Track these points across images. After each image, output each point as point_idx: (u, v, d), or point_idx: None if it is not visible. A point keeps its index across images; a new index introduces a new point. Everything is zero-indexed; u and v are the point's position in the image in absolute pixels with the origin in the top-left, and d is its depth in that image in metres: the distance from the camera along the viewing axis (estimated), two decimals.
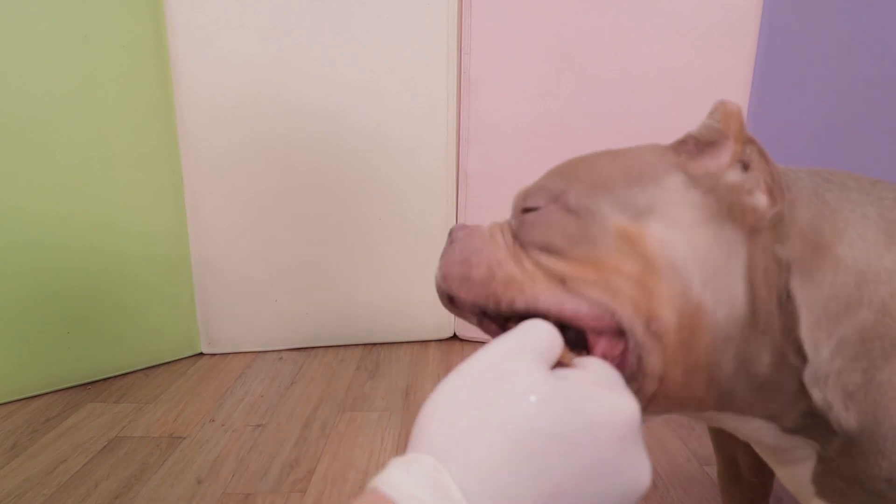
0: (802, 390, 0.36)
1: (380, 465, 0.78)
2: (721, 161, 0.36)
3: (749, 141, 0.35)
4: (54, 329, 0.99)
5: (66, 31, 0.93)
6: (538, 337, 0.30)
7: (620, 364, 0.34)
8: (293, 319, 1.18)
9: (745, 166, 0.36)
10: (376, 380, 1.06)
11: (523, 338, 0.30)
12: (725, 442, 0.59)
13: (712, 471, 0.76)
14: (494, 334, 0.37)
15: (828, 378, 0.35)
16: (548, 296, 0.35)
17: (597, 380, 0.29)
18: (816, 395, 0.36)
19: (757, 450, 0.45)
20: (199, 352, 1.18)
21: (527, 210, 0.38)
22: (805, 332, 0.35)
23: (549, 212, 0.37)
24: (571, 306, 0.34)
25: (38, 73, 0.92)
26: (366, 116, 1.11)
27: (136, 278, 1.07)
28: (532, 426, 0.26)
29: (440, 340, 1.25)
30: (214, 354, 1.18)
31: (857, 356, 0.35)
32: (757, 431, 0.41)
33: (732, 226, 0.35)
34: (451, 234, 0.41)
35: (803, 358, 0.35)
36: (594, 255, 0.34)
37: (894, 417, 0.34)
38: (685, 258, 0.34)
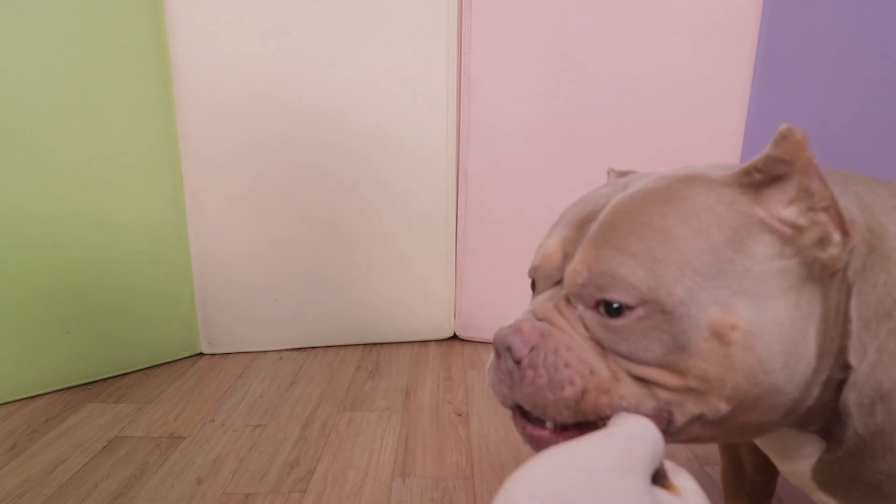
0: (833, 399, 0.35)
1: (380, 465, 0.78)
2: (787, 195, 0.32)
3: (815, 168, 0.32)
4: (54, 329, 0.99)
5: (66, 31, 0.93)
6: (648, 448, 0.28)
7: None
8: (293, 319, 1.18)
9: (811, 195, 0.32)
10: (376, 380, 1.06)
11: (633, 447, 0.28)
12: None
13: (712, 471, 0.76)
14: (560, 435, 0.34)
15: (863, 375, 0.34)
16: (630, 399, 0.32)
17: None
18: (845, 396, 0.35)
19: (761, 445, 0.45)
20: (199, 352, 1.18)
21: (605, 303, 0.33)
22: (854, 342, 0.33)
23: (641, 320, 0.32)
24: (646, 408, 0.32)
25: (38, 73, 0.92)
26: (366, 116, 1.11)
27: (136, 278, 1.07)
28: None
29: (440, 340, 1.25)
30: (214, 354, 1.18)
31: None
32: (780, 436, 0.40)
33: (812, 284, 0.32)
34: (511, 349, 0.34)
35: (847, 367, 0.34)
36: (681, 364, 0.32)
37: None
38: (771, 346, 0.31)
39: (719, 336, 0.31)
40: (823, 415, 0.37)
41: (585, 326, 0.34)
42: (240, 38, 1.05)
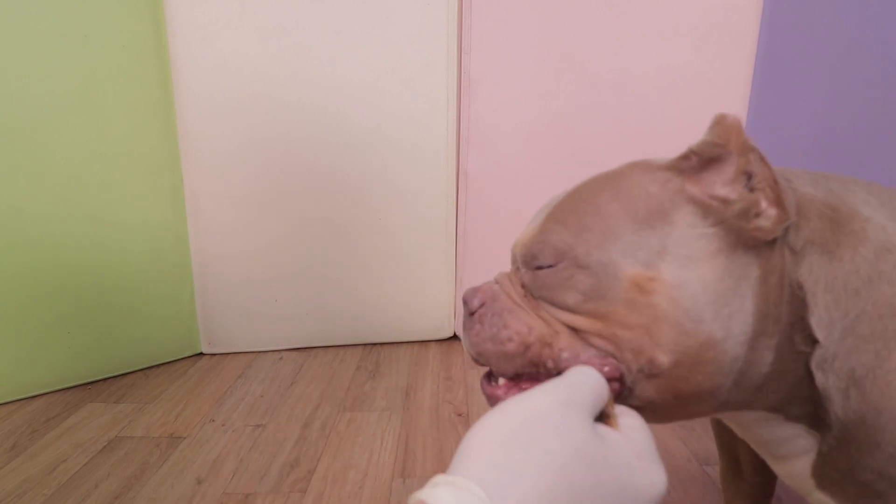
0: (807, 376, 0.36)
1: (380, 465, 0.78)
2: (726, 176, 0.36)
3: (751, 150, 0.35)
4: (54, 329, 0.99)
5: (66, 31, 0.93)
6: (589, 390, 0.32)
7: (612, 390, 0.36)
8: (293, 319, 1.18)
9: (749, 176, 0.36)
10: (376, 380, 1.06)
11: (575, 389, 0.32)
12: (728, 440, 0.59)
13: (712, 471, 0.76)
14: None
15: (835, 359, 0.35)
16: (568, 349, 0.36)
17: (638, 450, 0.31)
18: (819, 378, 0.36)
19: (756, 448, 0.45)
20: (199, 352, 1.18)
21: (538, 267, 0.38)
22: (818, 315, 0.35)
23: (560, 271, 0.37)
24: (586, 356, 0.36)
25: (38, 73, 0.92)
26: (366, 116, 1.11)
27: (136, 278, 1.07)
28: (575, 480, 0.27)
29: (440, 340, 1.25)
30: (214, 354, 1.18)
31: (872, 335, 0.34)
32: (758, 422, 0.40)
33: (743, 249, 0.35)
34: (466, 302, 0.41)
35: (813, 341, 0.36)
36: (603, 309, 0.35)
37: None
38: (696, 297, 0.34)
39: (639, 287, 0.35)
40: (800, 395, 0.37)
41: (523, 285, 0.39)
42: (240, 38, 1.05)
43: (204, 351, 1.18)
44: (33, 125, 0.93)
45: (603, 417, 0.33)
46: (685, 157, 0.37)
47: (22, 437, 0.85)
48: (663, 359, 0.35)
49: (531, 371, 0.38)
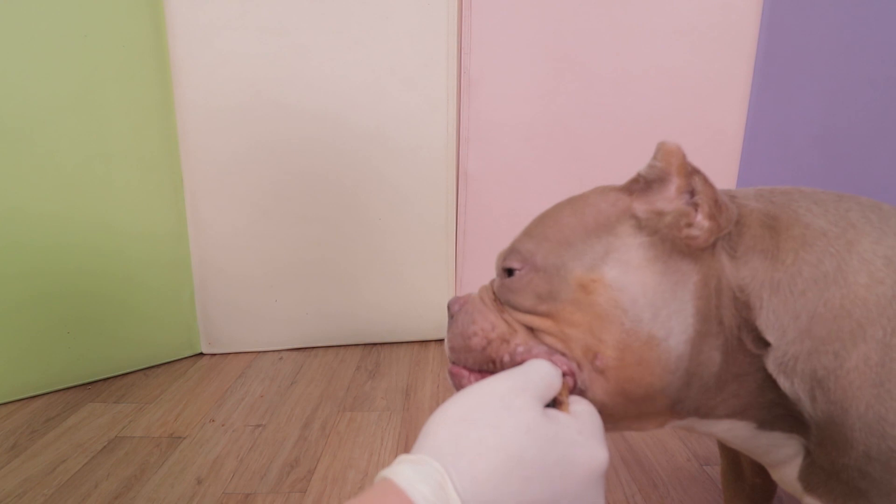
0: (768, 380, 0.38)
1: (380, 465, 0.78)
2: (669, 194, 0.40)
3: (694, 172, 0.40)
4: (54, 329, 0.99)
5: (66, 30, 0.93)
6: (540, 377, 0.36)
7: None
8: (293, 319, 1.18)
9: (692, 194, 0.40)
10: (376, 380, 1.06)
11: (528, 377, 0.36)
12: None
13: (712, 471, 0.76)
14: None
15: (796, 362, 0.36)
16: (523, 345, 0.40)
17: (581, 428, 0.34)
18: (783, 382, 0.37)
19: (747, 451, 0.45)
20: (199, 352, 1.18)
21: (506, 270, 0.43)
22: (765, 317, 0.37)
23: (521, 276, 0.41)
24: (538, 352, 0.39)
25: (38, 73, 0.92)
26: (366, 116, 1.11)
27: (136, 278, 1.07)
28: (524, 455, 0.31)
29: (440, 340, 1.25)
30: (214, 354, 1.18)
31: (829, 337, 0.36)
32: (730, 431, 0.41)
33: (679, 256, 0.39)
34: (448, 307, 0.46)
35: (765, 344, 0.37)
36: (554, 309, 0.39)
37: (860, 406, 0.35)
38: (635, 298, 0.38)
39: (584, 287, 0.39)
40: (764, 400, 0.39)
41: (493, 291, 0.44)
42: (240, 38, 1.05)
43: (204, 351, 1.18)
44: (32, 125, 0.93)
45: (556, 404, 0.37)
46: (635, 180, 0.42)
47: (22, 437, 0.85)
48: (608, 353, 0.38)
49: (490, 368, 0.41)
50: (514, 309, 0.41)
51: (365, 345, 1.23)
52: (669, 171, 0.40)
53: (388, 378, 1.07)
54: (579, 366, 0.38)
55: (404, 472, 0.29)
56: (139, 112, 1.03)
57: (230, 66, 1.05)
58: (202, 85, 1.05)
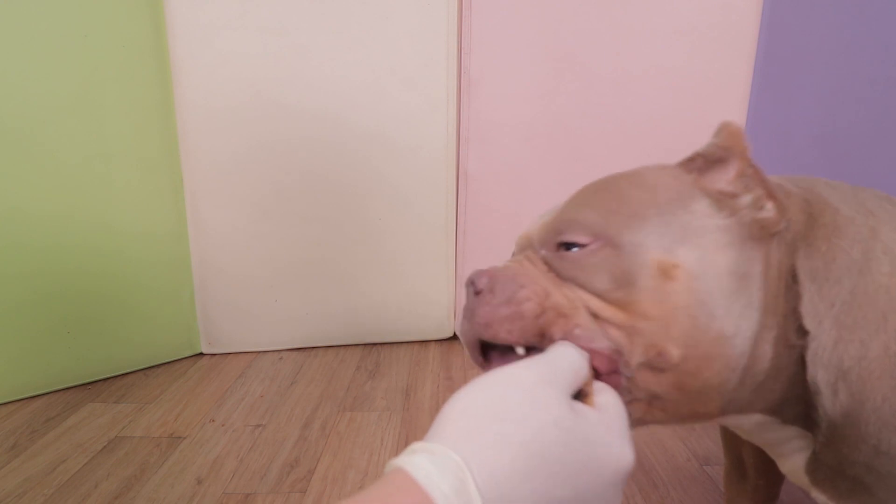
0: (799, 374, 0.37)
1: (380, 465, 0.78)
2: (728, 176, 0.38)
3: (748, 155, 0.38)
4: (54, 329, 0.99)
5: (66, 30, 0.93)
6: (569, 367, 0.33)
7: (614, 385, 0.36)
8: (293, 319, 1.18)
9: (746, 176, 0.38)
10: (376, 380, 1.06)
11: (556, 366, 0.32)
12: (733, 441, 0.58)
13: (712, 471, 0.76)
14: None
15: (825, 352, 0.36)
16: (585, 329, 0.35)
17: (610, 425, 0.32)
18: (811, 374, 0.36)
19: (759, 443, 0.45)
20: (199, 352, 1.18)
21: (564, 245, 0.37)
22: (806, 305, 0.36)
23: (594, 251, 0.36)
24: (597, 344, 0.35)
25: (38, 73, 0.92)
26: (366, 117, 1.11)
27: (136, 278, 1.07)
28: (548, 452, 0.28)
29: (440, 340, 1.25)
30: (214, 354, 1.18)
31: (856, 324, 0.35)
32: (759, 426, 0.41)
33: (751, 242, 0.36)
34: (473, 283, 0.39)
35: (804, 333, 0.36)
36: (629, 298, 0.35)
37: (877, 398, 0.34)
38: (711, 290, 0.35)
39: (664, 273, 0.35)
40: (794, 394, 0.37)
41: (546, 263, 0.38)
42: (240, 38, 1.05)
43: (204, 351, 1.18)
44: (33, 125, 0.93)
45: (580, 395, 0.34)
46: (691, 159, 0.39)
47: (22, 437, 0.85)
48: (674, 352, 0.35)
49: (535, 342, 0.36)
50: (580, 287, 0.36)
51: (365, 345, 1.23)
52: (733, 152, 0.38)
53: (388, 378, 1.07)
54: (628, 360, 0.35)
55: (421, 463, 0.26)
56: (139, 112, 1.03)
57: (230, 66, 1.05)
58: (202, 85, 1.05)
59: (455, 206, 1.18)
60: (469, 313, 0.38)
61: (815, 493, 0.40)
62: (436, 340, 1.25)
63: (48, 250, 0.97)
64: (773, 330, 0.36)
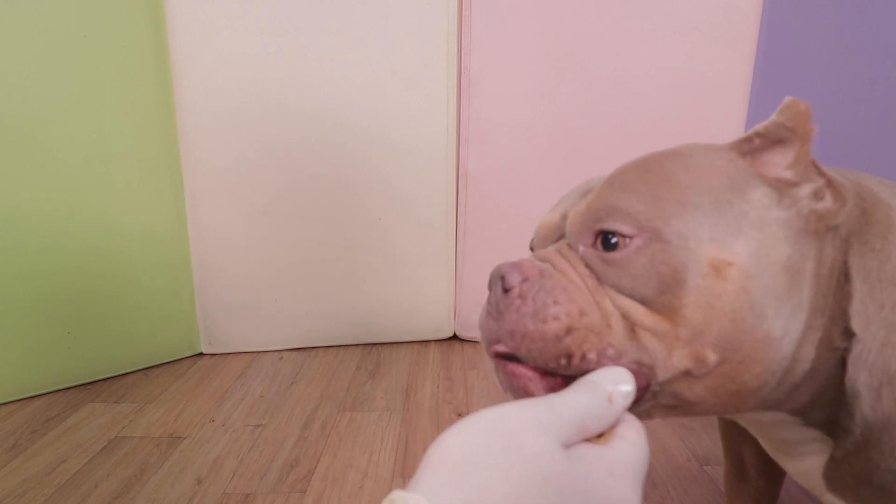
0: (836, 377, 0.35)
1: (380, 465, 0.78)
2: (787, 159, 0.34)
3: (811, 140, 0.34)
4: (54, 329, 0.99)
5: (66, 30, 0.93)
6: (578, 413, 0.29)
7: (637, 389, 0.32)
8: (293, 319, 1.18)
9: (804, 162, 0.34)
10: (376, 380, 1.06)
11: (556, 411, 0.29)
12: (734, 441, 0.58)
13: (712, 470, 0.76)
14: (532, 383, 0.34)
15: (869, 354, 0.33)
16: (617, 347, 0.32)
17: (613, 468, 0.29)
18: (851, 375, 0.34)
19: (766, 445, 0.44)
20: (199, 352, 1.18)
21: (604, 233, 0.33)
22: (857, 306, 0.34)
23: (640, 250, 0.32)
24: (625, 361, 0.32)
25: (38, 73, 0.92)
26: (366, 117, 1.11)
27: (136, 278, 1.07)
28: None
29: (440, 340, 1.25)
30: (214, 354, 1.18)
31: None
32: (778, 424, 0.39)
33: (806, 236, 0.33)
34: (503, 278, 0.34)
35: (850, 335, 0.34)
36: (676, 304, 0.31)
37: None
38: (765, 289, 0.32)
39: (717, 271, 0.31)
40: (825, 398, 0.36)
41: (586, 265, 0.34)
42: (240, 38, 1.05)
43: (204, 351, 1.18)
44: (32, 125, 0.93)
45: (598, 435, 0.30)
46: (747, 139, 0.35)
47: (22, 437, 0.85)
48: (712, 358, 0.32)
49: (556, 367, 0.32)
50: (621, 293, 0.32)
51: (365, 345, 1.23)
52: (797, 133, 0.33)
53: (388, 378, 1.07)
54: (660, 375, 0.32)
55: None
56: (139, 112, 1.03)
57: (230, 66, 1.05)
58: (202, 85, 1.05)
59: (455, 206, 1.18)
60: (496, 313, 0.34)
61: (830, 498, 0.39)
62: (436, 340, 1.25)
63: (48, 250, 0.97)
64: (818, 331, 0.34)
